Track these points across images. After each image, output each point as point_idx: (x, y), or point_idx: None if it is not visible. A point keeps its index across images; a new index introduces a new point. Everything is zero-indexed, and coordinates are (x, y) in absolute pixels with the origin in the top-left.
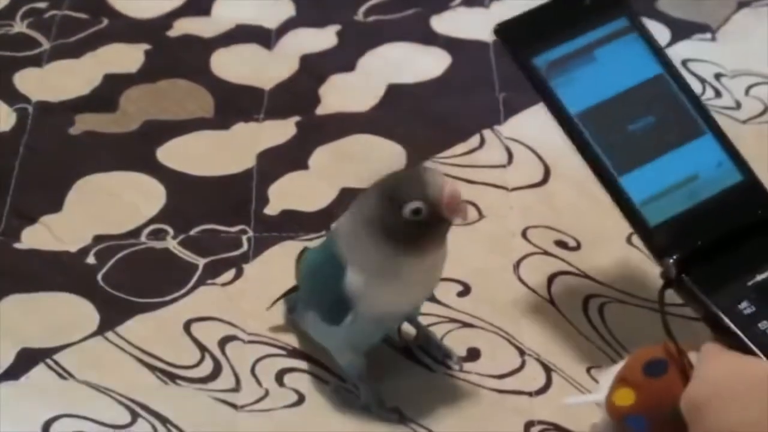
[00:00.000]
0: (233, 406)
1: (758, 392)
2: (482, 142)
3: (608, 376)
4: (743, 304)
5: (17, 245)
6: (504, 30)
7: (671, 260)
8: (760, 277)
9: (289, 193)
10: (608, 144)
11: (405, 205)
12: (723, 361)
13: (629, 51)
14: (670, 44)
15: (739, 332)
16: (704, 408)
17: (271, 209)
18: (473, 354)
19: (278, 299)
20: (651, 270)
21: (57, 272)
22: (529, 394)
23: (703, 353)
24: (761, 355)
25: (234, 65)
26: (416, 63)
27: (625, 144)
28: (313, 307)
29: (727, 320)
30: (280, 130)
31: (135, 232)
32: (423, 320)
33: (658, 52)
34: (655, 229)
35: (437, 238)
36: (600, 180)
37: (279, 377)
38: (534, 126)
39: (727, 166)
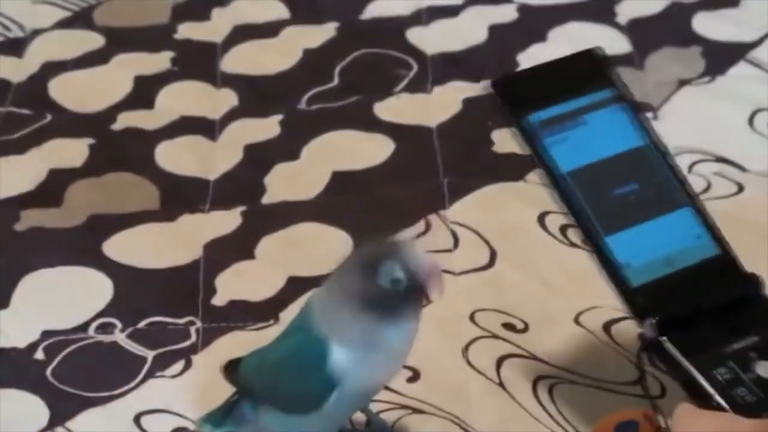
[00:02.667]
0: None
1: None
2: (428, 227)
3: None
4: (721, 370)
5: None
6: (500, 85)
7: (652, 321)
8: (737, 346)
9: (236, 283)
10: (595, 204)
11: (384, 275)
12: (702, 420)
13: (616, 120)
14: None
15: (717, 396)
16: None
17: (219, 299)
18: None
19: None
20: (600, 349)
21: (5, 369)
22: None
23: (679, 413)
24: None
25: (178, 156)
26: (360, 150)
27: (611, 206)
28: (277, 402)
29: (706, 384)
30: (226, 220)
31: (83, 327)
32: (374, 407)
33: (643, 124)
34: (637, 289)
35: (415, 307)
36: (586, 238)
37: None
38: (479, 210)
39: (705, 239)
